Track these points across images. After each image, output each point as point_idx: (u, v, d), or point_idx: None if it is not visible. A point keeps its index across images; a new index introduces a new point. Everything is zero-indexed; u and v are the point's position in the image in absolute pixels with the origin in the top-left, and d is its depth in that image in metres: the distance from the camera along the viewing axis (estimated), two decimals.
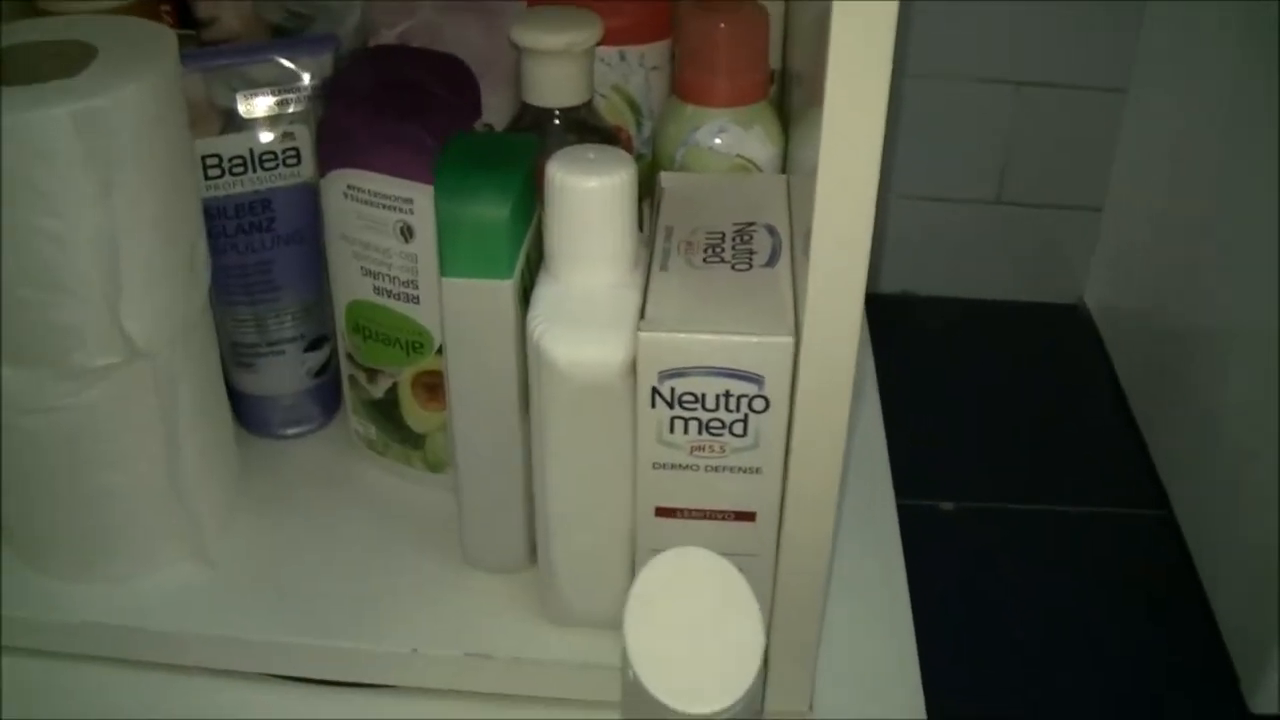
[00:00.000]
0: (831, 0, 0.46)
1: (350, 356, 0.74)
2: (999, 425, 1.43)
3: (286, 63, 0.72)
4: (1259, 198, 1.22)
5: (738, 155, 0.72)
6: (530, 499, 0.65)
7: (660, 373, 0.56)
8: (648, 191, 0.71)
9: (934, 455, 1.32)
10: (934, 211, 1.54)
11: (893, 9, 0.46)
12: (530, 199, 0.62)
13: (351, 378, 0.75)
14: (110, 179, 0.59)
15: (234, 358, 0.77)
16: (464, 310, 0.61)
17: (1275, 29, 1.20)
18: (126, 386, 0.64)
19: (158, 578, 0.69)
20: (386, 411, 0.74)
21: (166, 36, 0.65)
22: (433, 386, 0.71)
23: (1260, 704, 1.20)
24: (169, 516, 0.68)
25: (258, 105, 0.72)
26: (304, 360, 0.78)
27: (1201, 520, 1.31)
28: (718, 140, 0.72)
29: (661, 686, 0.48)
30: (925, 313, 1.56)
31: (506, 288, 0.60)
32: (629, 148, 0.78)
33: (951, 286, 1.59)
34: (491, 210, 0.58)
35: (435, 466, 0.74)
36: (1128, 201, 1.54)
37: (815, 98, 0.51)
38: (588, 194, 0.57)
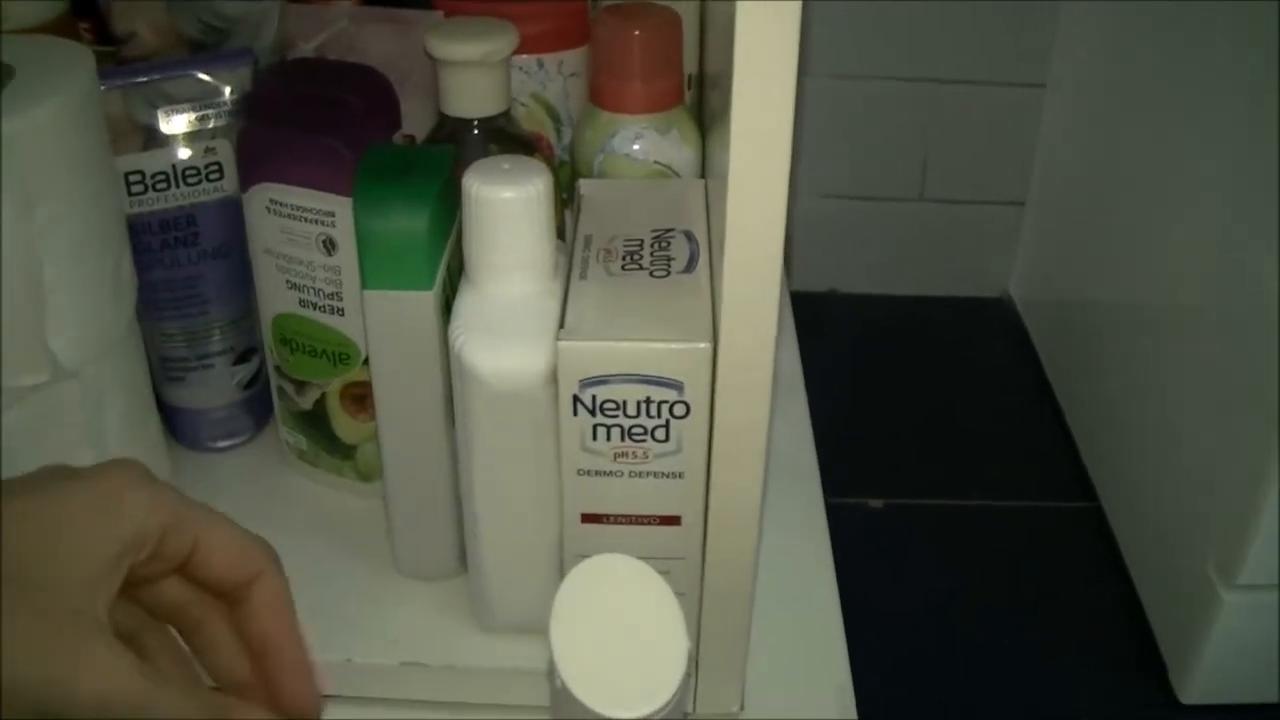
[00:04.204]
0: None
1: (278, 369, 0.74)
2: (926, 421, 1.45)
3: (205, 77, 0.72)
4: (1177, 188, 1.24)
5: (655, 161, 0.73)
6: (459, 507, 0.65)
7: (581, 381, 0.56)
8: (570, 199, 0.72)
9: (862, 452, 1.33)
10: (857, 209, 1.55)
11: (796, 8, 0.47)
12: (449, 210, 0.62)
13: (280, 389, 0.75)
14: (31, 199, 0.59)
15: (163, 372, 0.77)
16: (386, 322, 0.61)
17: (1187, 22, 1.22)
18: (52, 405, 0.64)
19: None
20: (316, 423, 0.74)
21: (83, 55, 0.65)
22: (361, 397, 0.72)
23: (1189, 694, 1.21)
24: None
25: (178, 121, 0.72)
26: (233, 373, 0.78)
27: (1127, 511, 1.32)
28: (635, 146, 0.73)
29: (588, 692, 0.49)
30: (850, 310, 1.58)
31: (427, 298, 0.60)
32: (549, 155, 0.78)
33: (877, 283, 1.60)
34: (409, 222, 0.59)
35: (366, 476, 0.75)
36: (1049, 195, 1.56)
37: (728, 101, 0.52)
38: (503, 204, 0.57)
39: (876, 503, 1.30)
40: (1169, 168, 1.25)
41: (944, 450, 1.40)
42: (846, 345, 1.48)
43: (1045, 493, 1.36)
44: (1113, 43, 1.39)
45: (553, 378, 0.57)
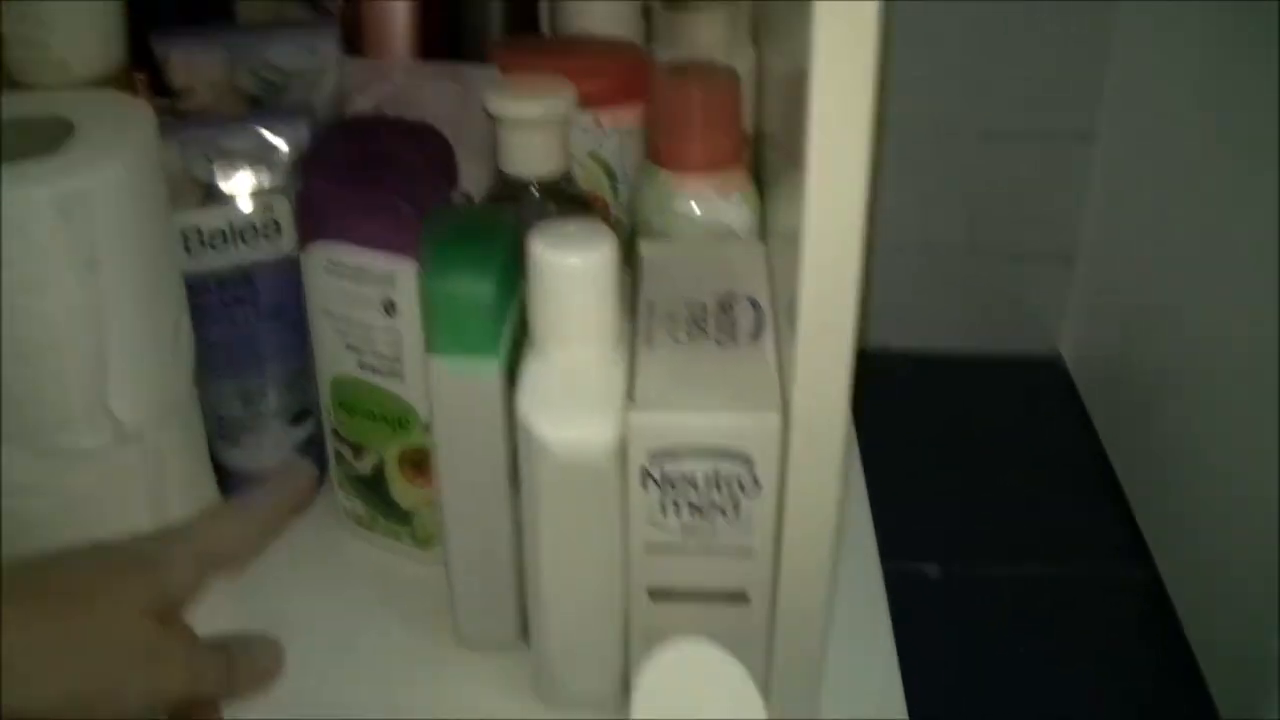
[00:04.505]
0: (808, 61, 0.46)
1: (335, 432, 0.74)
2: (978, 483, 1.43)
3: (264, 133, 0.72)
4: (1234, 242, 1.22)
5: (715, 221, 0.72)
6: (521, 576, 0.64)
7: (650, 453, 0.55)
8: (627, 257, 0.71)
9: (916, 516, 1.31)
10: (905, 264, 1.53)
11: (870, 67, 0.46)
12: (515, 274, 0.61)
13: (337, 453, 0.74)
14: (94, 259, 0.59)
15: (219, 432, 0.76)
16: (451, 388, 0.61)
17: (1242, 75, 1.20)
18: (114, 469, 0.63)
19: None
20: (373, 487, 0.73)
21: (144, 112, 0.64)
22: (419, 463, 0.71)
23: None
24: None
25: (236, 178, 0.71)
26: (289, 434, 0.78)
27: (1186, 578, 1.30)
28: (695, 207, 0.72)
29: None
30: (900, 368, 1.56)
31: (493, 365, 0.60)
32: (606, 215, 0.77)
33: (926, 340, 1.59)
34: (477, 288, 0.58)
35: (423, 542, 0.74)
36: (1100, 250, 1.54)
37: (794, 161, 0.51)
38: (571, 271, 0.56)
39: (932, 569, 1.29)
40: (1226, 223, 1.24)
41: (998, 514, 1.38)
42: (895, 403, 1.46)
43: (1101, 559, 1.34)
44: (1165, 94, 1.38)
45: (622, 449, 0.56)
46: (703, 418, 0.55)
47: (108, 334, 0.60)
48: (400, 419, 0.70)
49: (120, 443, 0.63)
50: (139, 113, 0.64)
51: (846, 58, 0.46)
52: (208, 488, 0.72)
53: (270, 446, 0.77)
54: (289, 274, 0.73)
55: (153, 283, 0.64)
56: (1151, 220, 1.41)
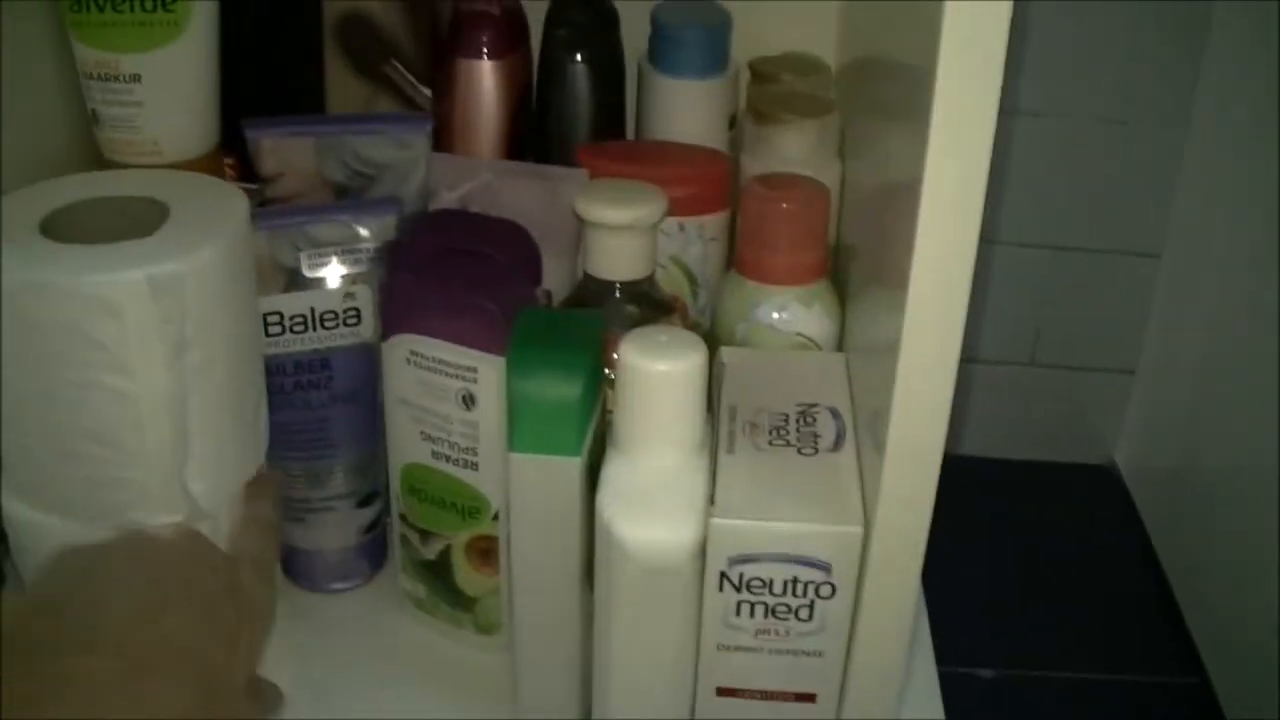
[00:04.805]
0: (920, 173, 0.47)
1: (403, 517, 0.74)
2: (1033, 588, 1.43)
3: (351, 223, 0.73)
4: None
5: (797, 333, 0.73)
6: (586, 666, 0.65)
7: (730, 558, 0.56)
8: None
9: (970, 620, 1.31)
10: (968, 373, 1.54)
11: (982, 182, 0.47)
12: (598, 377, 0.62)
13: (404, 537, 0.75)
14: (183, 341, 0.60)
15: (285, 512, 0.77)
16: (531, 485, 0.61)
17: None
18: None
19: None
20: (438, 573, 0.74)
21: (238, 198, 0.65)
22: (486, 551, 0.71)
23: None
24: None
25: (321, 265, 0.72)
26: (355, 516, 0.78)
27: (1237, 688, 1.29)
28: (778, 317, 0.73)
29: None
30: (958, 474, 1.57)
31: (575, 465, 0.60)
32: (685, 318, 0.78)
33: (983, 447, 1.60)
34: (563, 390, 0.59)
35: (486, 629, 0.74)
36: (1161, 363, 1.55)
37: (881, 275, 0.52)
38: (660, 378, 0.57)
39: (986, 673, 1.28)
40: None
41: (1051, 619, 1.38)
42: (951, 509, 1.47)
43: (1152, 666, 1.33)
44: (1230, 210, 1.39)
45: (700, 552, 0.57)
46: (784, 527, 0.56)
47: (191, 416, 0.61)
48: (472, 508, 0.70)
49: (194, 521, 0.64)
50: (234, 198, 0.65)
51: (958, 177, 0.47)
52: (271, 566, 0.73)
53: (336, 528, 0.78)
54: (365, 360, 0.74)
55: (238, 367, 0.64)
56: (1210, 335, 1.42)
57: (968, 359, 1.53)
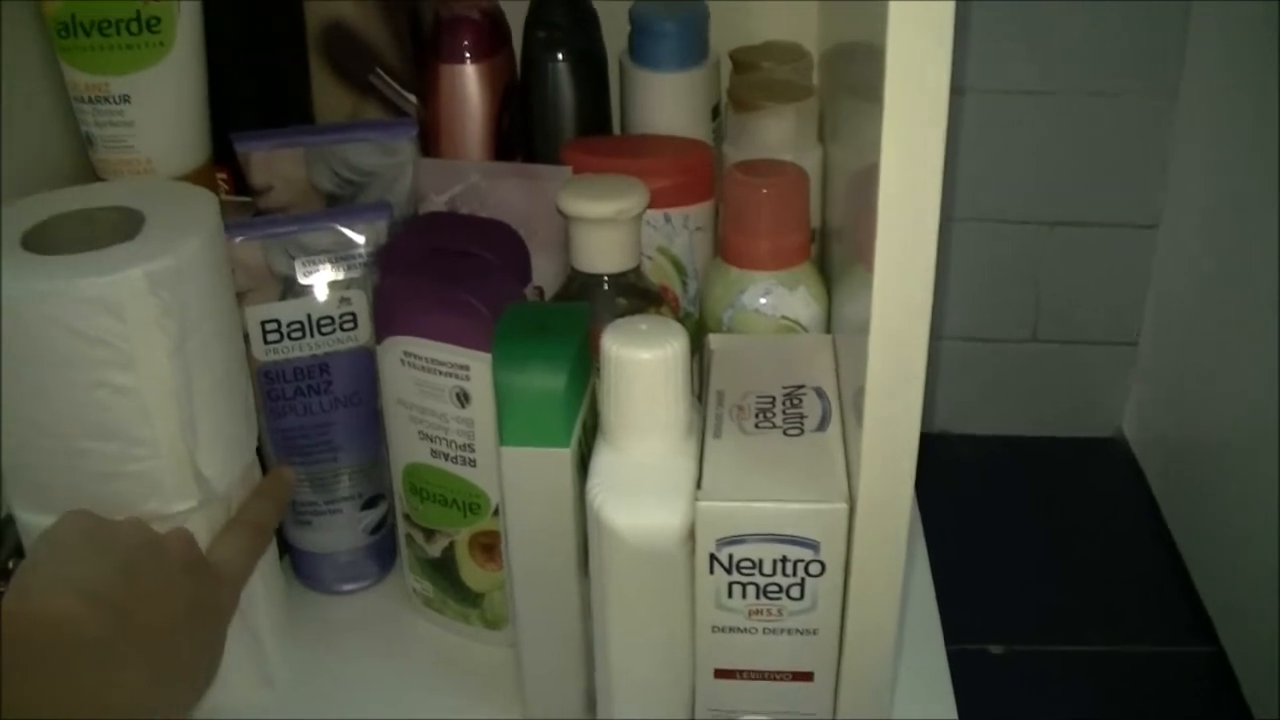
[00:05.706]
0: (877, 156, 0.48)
1: (407, 516, 0.75)
2: (1043, 563, 1.43)
3: (344, 230, 0.74)
4: None
5: (783, 316, 0.74)
6: (589, 655, 0.66)
7: (719, 540, 0.57)
8: (696, 349, 0.72)
9: (979, 597, 1.31)
10: (970, 350, 1.55)
11: (938, 166, 0.48)
12: (585, 367, 0.63)
13: (409, 536, 0.76)
14: (185, 330, 0.61)
15: (291, 515, 0.78)
16: (523, 478, 0.62)
17: None
18: (199, 529, 0.65)
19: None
20: (443, 570, 0.75)
21: (208, 198, 0.67)
22: (489, 546, 0.72)
23: None
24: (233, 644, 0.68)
25: (316, 272, 0.74)
26: (360, 518, 0.79)
27: (1251, 655, 1.29)
28: (763, 302, 0.74)
29: None
30: (964, 451, 1.57)
31: (564, 456, 0.61)
32: (675, 308, 0.79)
33: (989, 424, 1.60)
34: (548, 382, 0.60)
35: (493, 624, 0.75)
36: (1163, 334, 1.55)
37: (860, 256, 0.53)
38: (642, 366, 0.58)
39: (996, 648, 1.29)
40: None
41: (1061, 594, 1.38)
42: (960, 486, 1.47)
43: (1165, 637, 1.33)
44: (1226, 181, 1.39)
45: (690, 536, 0.58)
46: (770, 507, 0.56)
47: (196, 402, 0.63)
48: (472, 504, 0.71)
49: (207, 504, 0.65)
50: (202, 196, 0.67)
51: (914, 156, 0.47)
52: (270, 554, 0.73)
53: (343, 530, 0.79)
54: (364, 363, 0.75)
55: (230, 350, 0.66)
56: (1213, 305, 1.42)
57: (969, 338, 1.54)
